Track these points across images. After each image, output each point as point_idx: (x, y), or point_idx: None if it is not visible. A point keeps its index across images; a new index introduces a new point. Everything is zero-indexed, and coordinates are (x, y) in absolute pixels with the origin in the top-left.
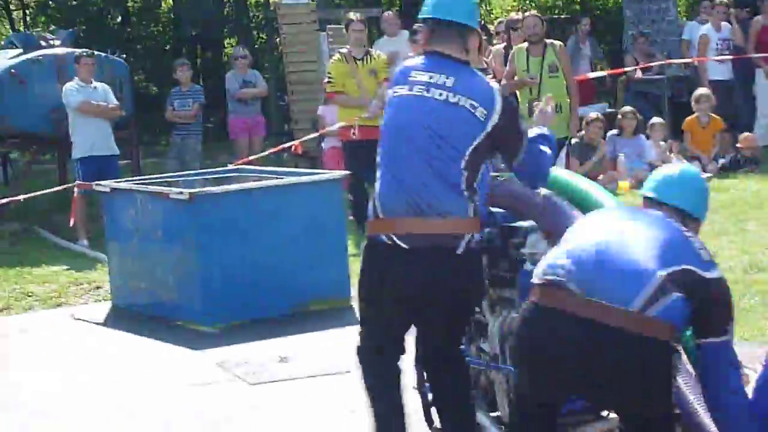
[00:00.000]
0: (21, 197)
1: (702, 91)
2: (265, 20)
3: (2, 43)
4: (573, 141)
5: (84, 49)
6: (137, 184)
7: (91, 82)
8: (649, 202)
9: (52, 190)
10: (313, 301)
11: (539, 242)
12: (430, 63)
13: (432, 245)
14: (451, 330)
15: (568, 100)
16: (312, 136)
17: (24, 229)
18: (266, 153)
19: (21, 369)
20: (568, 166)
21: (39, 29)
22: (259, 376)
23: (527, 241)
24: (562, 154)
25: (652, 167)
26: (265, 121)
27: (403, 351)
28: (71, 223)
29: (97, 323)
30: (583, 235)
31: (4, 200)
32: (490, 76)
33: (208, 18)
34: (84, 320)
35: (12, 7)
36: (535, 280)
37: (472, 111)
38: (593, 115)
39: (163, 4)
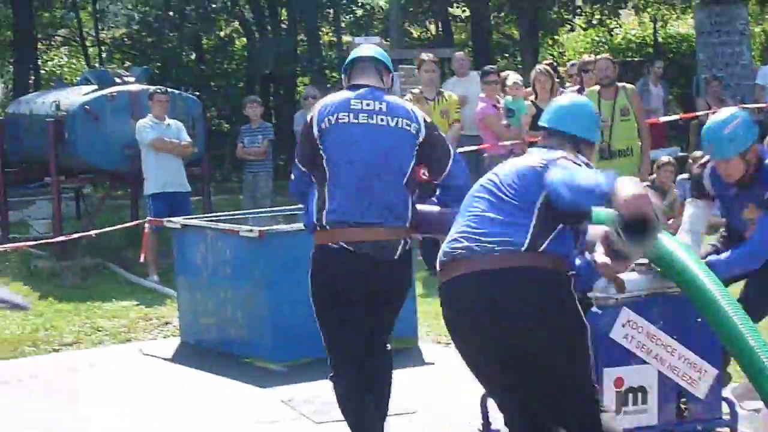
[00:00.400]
0: (93, 232)
1: None
2: (338, 59)
3: (77, 79)
4: (644, 185)
5: (158, 86)
6: (207, 220)
7: (165, 119)
8: (545, 132)
9: (123, 225)
10: None
11: (608, 286)
12: (362, 93)
13: (376, 249)
14: (388, 321)
15: (640, 144)
16: None
17: (95, 264)
18: None
19: (90, 403)
20: None
21: (114, 66)
22: (325, 414)
23: (595, 285)
24: None
25: None
26: None
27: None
28: (141, 258)
29: (166, 359)
30: (462, 214)
31: (77, 235)
32: None
33: (281, 56)
34: (153, 356)
35: (88, 44)
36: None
37: (408, 128)
38: (664, 158)
39: (237, 43)
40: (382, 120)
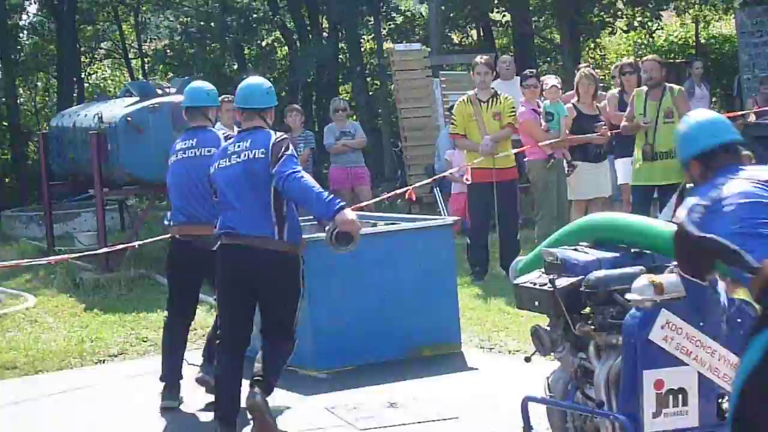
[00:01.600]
0: (137, 243)
1: None
2: (379, 67)
3: (119, 92)
4: (688, 186)
5: (226, 94)
6: None
7: (233, 128)
8: (241, 111)
9: (167, 236)
10: (424, 346)
11: (646, 288)
12: (184, 135)
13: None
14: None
15: None
16: (426, 182)
17: (140, 275)
18: (378, 199)
19: (136, 414)
20: None
21: (157, 77)
22: (368, 421)
23: (633, 287)
24: (673, 199)
25: None
26: (368, 172)
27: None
28: None
29: None
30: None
31: (121, 246)
32: (602, 123)
33: (323, 65)
34: (197, 365)
35: (131, 56)
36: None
37: (209, 154)
38: None
39: (279, 52)
40: (192, 153)
